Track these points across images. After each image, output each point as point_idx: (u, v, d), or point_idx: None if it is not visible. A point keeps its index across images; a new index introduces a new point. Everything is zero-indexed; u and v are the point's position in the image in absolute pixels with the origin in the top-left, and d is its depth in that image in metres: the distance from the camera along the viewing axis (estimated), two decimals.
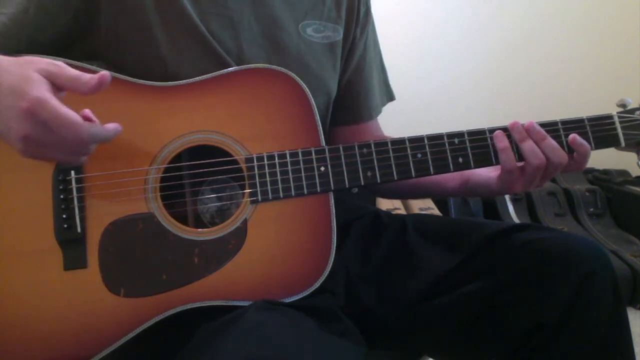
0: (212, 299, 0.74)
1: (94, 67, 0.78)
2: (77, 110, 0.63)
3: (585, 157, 0.79)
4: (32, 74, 0.61)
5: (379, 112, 1.05)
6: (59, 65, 0.63)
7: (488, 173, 0.86)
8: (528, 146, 0.78)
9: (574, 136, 0.79)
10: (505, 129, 0.80)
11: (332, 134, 1.02)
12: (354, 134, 1.02)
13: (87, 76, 0.62)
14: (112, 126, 0.64)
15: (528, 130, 0.79)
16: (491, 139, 0.80)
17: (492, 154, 0.79)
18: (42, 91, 0.59)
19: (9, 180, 0.74)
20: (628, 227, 2.30)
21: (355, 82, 1.00)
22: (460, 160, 0.79)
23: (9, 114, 0.60)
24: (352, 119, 1.02)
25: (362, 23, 0.98)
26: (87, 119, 0.64)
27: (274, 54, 0.88)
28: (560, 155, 0.78)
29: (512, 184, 0.82)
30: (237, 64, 0.82)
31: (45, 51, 0.77)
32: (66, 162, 0.73)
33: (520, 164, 0.80)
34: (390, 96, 1.08)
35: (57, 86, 0.62)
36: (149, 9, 0.80)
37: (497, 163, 0.80)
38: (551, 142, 0.78)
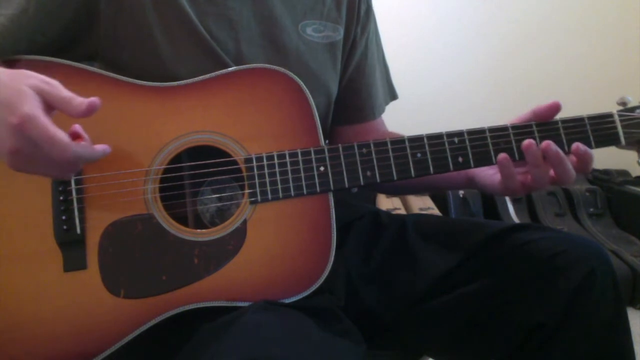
0: (212, 300, 0.74)
1: (92, 68, 0.78)
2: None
3: (588, 164, 0.77)
4: (25, 88, 0.60)
5: (382, 110, 1.05)
6: (53, 84, 0.62)
7: (491, 176, 0.85)
8: (538, 172, 0.76)
9: (577, 145, 0.76)
10: (505, 128, 0.79)
11: (336, 134, 1.02)
12: (358, 134, 1.02)
13: (78, 100, 0.62)
14: (99, 147, 0.65)
15: (545, 152, 0.75)
16: (491, 138, 0.79)
17: (492, 153, 0.79)
18: (33, 108, 0.59)
19: (9, 182, 0.73)
20: (628, 227, 2.30)
21: (357, 81, 1.00)
22: (460, 159, 0.79)
23: None
24: (355, 119, 1.02)
25: (362, 22, 0.98)
26: (75, 135, 0.64)
27: (273, 54, 0.87)
28: (570, 176, 0.76)
29: (514, 194, 0.82)
30: (236, 64, 0.81)
31: (45, 52, 0.77)
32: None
33: (522, 170, 0.79)
34: (393, 95, 1.08)
35: (49, 104, 0.62)
36: (148, 9, 0.80)
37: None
38: (567, 166, 0.75)
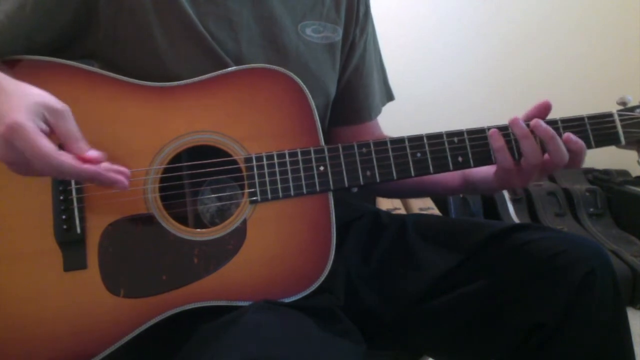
0: (212, 299, 0.74)
1: (92, 68, 0.78)
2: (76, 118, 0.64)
3: (579, 154, 0.77)
4: (27, 104, 0.62)
5: (379, 112, 1.05)
6: (62, 109, 0.64)
7: (487, 169, 0.86)
8: (528, 145, 0.77)
9: (567, 135, 0.77)
10: (505, 127, 0.79)
11: (332, 135, 1.02)
12: (354, 134, 1.02)
13: (83, 143, 0.65)
14: (94, 164, 0.65)
15: (535, 129, 0.77)
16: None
17: (492, 152, 0.79)
18: (22, 119, 0.60)
19: (9, 182, 0.73)
20: (628, 227, 2.30)
21: (355, 82, 1.00)
22: (460, 159, 0.79)
23: None
24: (352, 120, 1.02)
25: (361, 23, 0.98)
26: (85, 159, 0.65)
27: (273, 54, 0.87)
28: (563, 155, 0.77)
29: (510, 181, 0.82)
30: (236, 64, 0.81)
31: (44, 51, 0.77)
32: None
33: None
34: (389, 96, 1.08)
35: (50, 125, 0.63)
36: (148, 9, 0.80)
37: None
38: (559, 142, 0.76)
